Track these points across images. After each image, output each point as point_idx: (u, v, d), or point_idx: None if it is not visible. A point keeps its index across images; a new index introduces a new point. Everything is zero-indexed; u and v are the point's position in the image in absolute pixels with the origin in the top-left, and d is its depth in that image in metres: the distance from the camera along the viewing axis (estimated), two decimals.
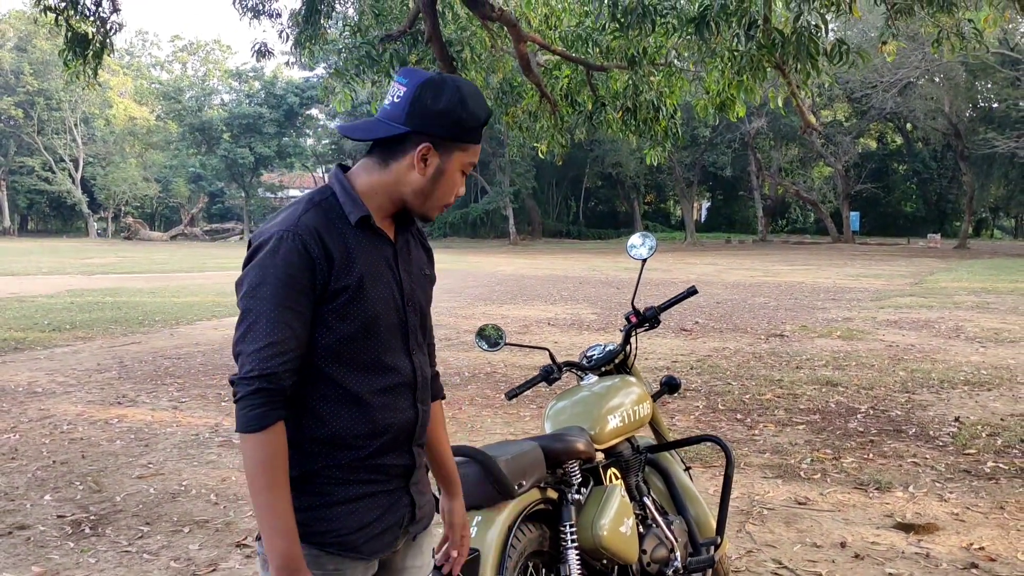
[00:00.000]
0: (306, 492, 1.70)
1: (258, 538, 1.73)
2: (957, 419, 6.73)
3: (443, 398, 2.08)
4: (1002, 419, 6.71)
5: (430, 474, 1.99)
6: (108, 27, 9.48)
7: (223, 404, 7.46)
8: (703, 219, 60.85)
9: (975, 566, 3.92)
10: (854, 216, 48.81)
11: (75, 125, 56.49)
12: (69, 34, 9.12)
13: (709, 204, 63.27)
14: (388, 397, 1.77)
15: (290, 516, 1.64)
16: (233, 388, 1.68)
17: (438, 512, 2.05)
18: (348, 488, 1.74)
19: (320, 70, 37.67)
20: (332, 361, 1.72)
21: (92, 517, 4.68)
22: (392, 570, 1.89)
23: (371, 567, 1.80)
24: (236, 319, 1.72)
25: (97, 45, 9.39)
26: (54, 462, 5.73)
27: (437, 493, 2.09)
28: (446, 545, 2.06)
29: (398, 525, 1.83)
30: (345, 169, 1.84)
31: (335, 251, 1.70)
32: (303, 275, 1.66)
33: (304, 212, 1.72)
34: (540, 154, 10.77)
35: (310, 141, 61.26)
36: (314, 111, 57.48)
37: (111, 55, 10.37)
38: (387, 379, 1.77)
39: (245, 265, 1.72)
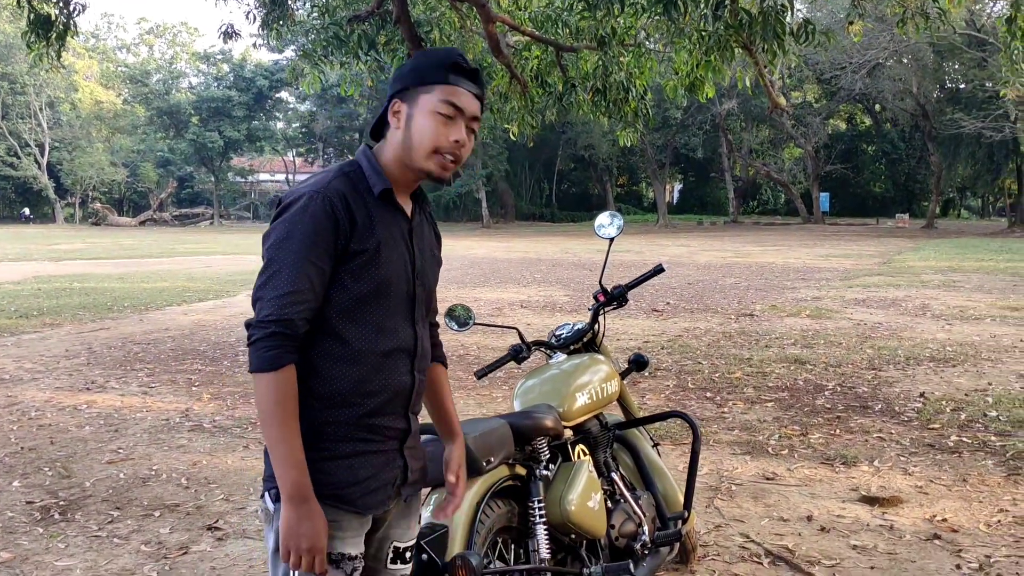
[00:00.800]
0: (306, 446, 1.78)
1: (263, 495, 1.87)
2: (922, 395, 6.84)
3: (446, 366, 2.21)
4: (966, 394, 6.83)
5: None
6: (71, 8, 9.31)
7: (193, 389, 7.42)
8: (675, 201, 61.11)
9: (938, 537, 4.00)
10: (824, 197, 49.24)
11: (40, 109, 55.58)
12: (32, 16, 8.96)
13: (681, 186, 63.52)
14: (388, 359, 1.88)
15: (299, 449, 1.75)
16: (249, 331, 1.78)
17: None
18: (346, 444, 1.84)
19: (289, 52, 37.28)
20: (342, 319, 1.83)
21: (61, 503, 4.65)
22: (384, 527, 1.99)
23: (365, 522, 1.90)
24: (259, 270, 1.84)
25: (60, 27, 9.22)
26: (22, 448, 5.68)
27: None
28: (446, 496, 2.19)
29: (391, 484, 1.92)
30: (371, 147, 1.97)
31: (359, 216, 1.82)
32: (327, 233, 1.78)
33: (334, 178, 1.86)
34: (512, 136, 10.75)
35: (280, 124, 60.71)
36: (284, 94, 56.98)
37: (75, 37, 10.21)
38: (390, 342, 1.89)
39: (274, 221, 1.84)
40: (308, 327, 1.79)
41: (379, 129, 1.98)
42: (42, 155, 55.66)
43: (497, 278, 17.94)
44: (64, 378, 7.96)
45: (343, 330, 1.83)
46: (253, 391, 1.85)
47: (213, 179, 57.42)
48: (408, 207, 1.97)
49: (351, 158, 1.99)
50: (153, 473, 5.16)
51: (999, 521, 4.19)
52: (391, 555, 2.01)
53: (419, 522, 2.11)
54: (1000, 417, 6.08)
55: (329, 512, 1.80)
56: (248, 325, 1.79)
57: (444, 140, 1.86)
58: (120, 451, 5.63)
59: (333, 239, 1.79)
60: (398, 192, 1.93)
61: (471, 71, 1.91)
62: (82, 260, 23.97)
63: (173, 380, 7.83)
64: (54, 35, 9.18)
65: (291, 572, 1.78)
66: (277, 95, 56.73)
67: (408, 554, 2.04)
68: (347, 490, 1.84)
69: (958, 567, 3.67)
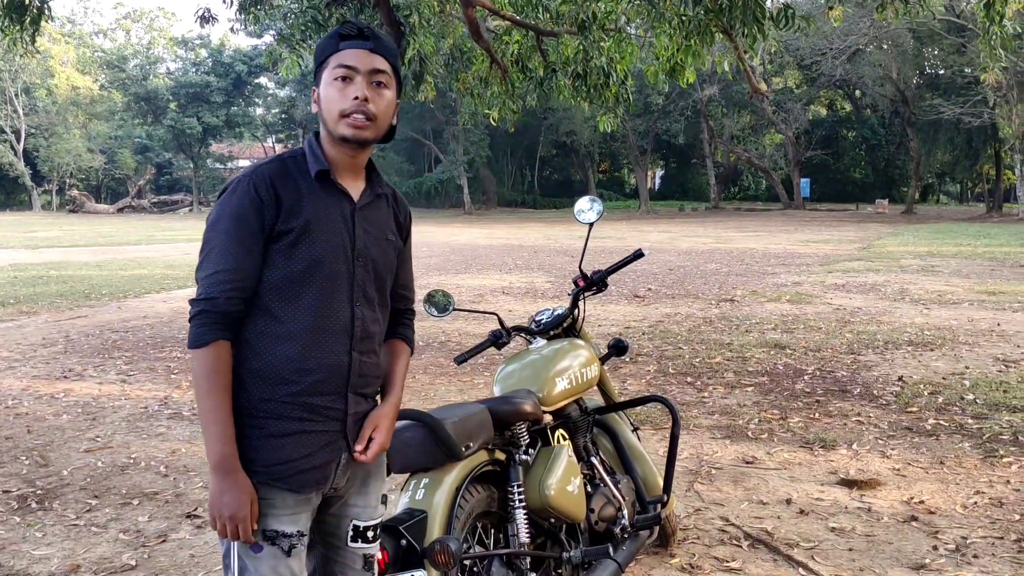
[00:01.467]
0: (240, 423, 1.84)
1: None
2: (900, 379, 6.89)
3: (412, 348, 2.20)
4: (943, 378, 6.88)
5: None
6: None
7: (172, 377, 7.37)
8: (657, 187, 61.21)
9: (915, 519, 4.03)
10: (804, 183, 49.45)
11: (16, 95, 54.89)
12: (5, 0, 8.83)
13: (663, 172, 63.60)
14: (323, 338, 1.90)
15: (228, 422, 1.81)
16: (190, 308, 1.86)
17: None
18: (280, 423, 1.87)
19: (268, 37, 36.96)
20: (275, 297, 1.88)
21: (39, 492, 4.61)
22: (339, 506, 2.03)
23: (304, 500, 1.92)
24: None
25: (34, 11, 9.09)
26: None
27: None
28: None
29: (331, 465, 1.94)
30: (318, 136, 2.01)
31: (285, 197, 1.88)
32: (252, 215, 1.85)
33: (267, 163, 1.94)
34: (492, 121, 10.70)
35: (260, 110, 60.24)
36: (263, 79, 56.48)
37: (50, 22, 10.08)
38: (323, 322, 1.90)
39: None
40: (240, 305, 1.85)
41: None
42: (18, 141, 54.99)
43: (478, 265, 17.92)
44: (41, 366, 7.89)
45: (276, 308, 1.87)
46: None
47: (192, 165, 56.97)
48: (357, 189, 2.00)
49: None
50: (131, 461, 5.12)
51: (975, 503, 4.23)
52: (351, 533, 2.04)
53: (384, 503, 2.11)
54: (977, 400, 6.14)
55: (263, 489, 1.86)
56: (190, 302, 1.86)
57: (346, 101, 1.89)
58: (98, 439, 5.59)
59: (259, 219, 1.84)
60: (341, 174, 1.97)
61: (358, 32, 1.93)
62: (59, 248, 23.75)
63: (152, 368, 7.78)
64: (28, 20, 9.06)
65: (231, 546, 1.87)
66: (256, 80, 56.27)
67: (370, 533, 2.06)
68: (277, 467, 1.87)
69: (935, 548, 3.70)
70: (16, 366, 7.90)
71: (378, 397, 2.06)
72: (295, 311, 1.88)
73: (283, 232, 1.86)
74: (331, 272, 1.91)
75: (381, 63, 1.93)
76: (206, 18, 10.33)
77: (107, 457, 5.21)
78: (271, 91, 59.10)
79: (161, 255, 21.04)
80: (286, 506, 1.89)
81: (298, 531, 1.91)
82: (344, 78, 1.90)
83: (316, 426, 1.91)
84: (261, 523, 1.87)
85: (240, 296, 1.84)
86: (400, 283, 2.15)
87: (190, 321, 1.84)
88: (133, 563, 3.70)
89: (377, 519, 2.08)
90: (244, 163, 66.56)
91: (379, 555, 2.16)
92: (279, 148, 64.11)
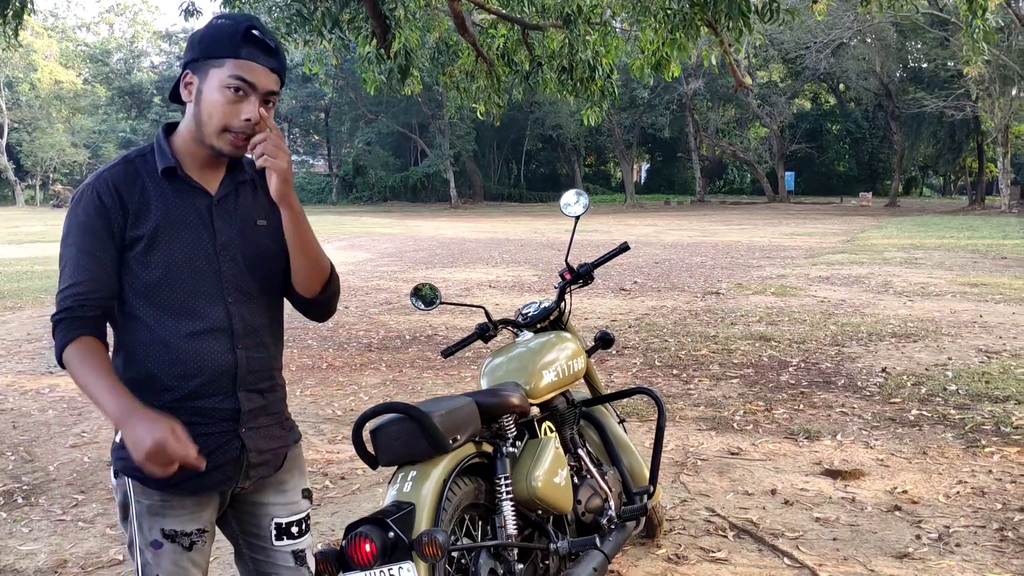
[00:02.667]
0: None
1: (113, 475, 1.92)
2: (884, 370, 6.94)
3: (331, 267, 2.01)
4: (926, 369, 6.94)
5: None
6: None
7: None
8: (643, 181, 61.31)
9: (898, 508, 4.07)
10: (789, 176, 49.65)
11: None
12: None
13: (648, 166, 63.71)
14: (198, 341, 1.84)
15: (113, 382, 1.71)
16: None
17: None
18: None
19: None
20: (142, 305, 1.83)
21: (25, 487, 4.60)
22: (253, 504, 1.99)
23: (206, 501, 1.90)
24: None
25: (17, 4, 9.02)
26: None
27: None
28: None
29: (226, 466, 1.89)
30: (172, 128, 1.91)
31: (130, 202, 1.81)
32: (99, 224, 1.79)
33: (110, 167, 1.86)
34: (479, 115, 10.70)
35: None
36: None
37: (32, 15, 10.00)
38: (195, 324, 1.84)
39: None
40: (96, 312, 1.79)
41: (177, 94, 1.88)
42: (1, 136, 54.54)
43: (465, 258, 17.92)
44: (26, 362, 7.85)
45: (145, 315, 1.83)
46: None
47: None
48: (214, 181, 1.90)
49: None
50: None
51: (958, 492, 4.28)
52: (274, 532, 2.01)
53: (308, 497, 2.09)
54: (959, 391, 6.19)
55: (156, 493, 1.84)
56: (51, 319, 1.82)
57: (234, 118, 1.79)
58: (84, 435, 5.57)
59: (106, 227, 1.79)
60: (195, 167, 1.87)
61: (265, 43, 1.81)
62: (43, 243, 23.57)
63: None
64: (11, 13, 8.98)
65: (134, 539, 1.86)
66: None
67: (295, 529, 2.03)
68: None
69: (918, 537, 3.74)
70: (0, 362, 7.86)
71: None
72: (163, 316, 1.82)
73: (134, 239, 1.80)
74: (194, 273, 1.84)
75: (276, 83, 1.83)
76: (190, 11, 10.28)
77: (93, 452, 5.20)
78: None
79: None
80: (184, 507, 1.87)
81: (198, 528, 1.89)
82: (238, 90, 1.78)
83: (207, 428, 1.86)
84: (159, 523, 1.85)
85: (95, 306, 1.79)
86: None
87: (53, 337, 1.79)
88: (120, 558, 3.70)
89: (300, 514, 2.05)
90: None
91: (361, 546, 2.18)
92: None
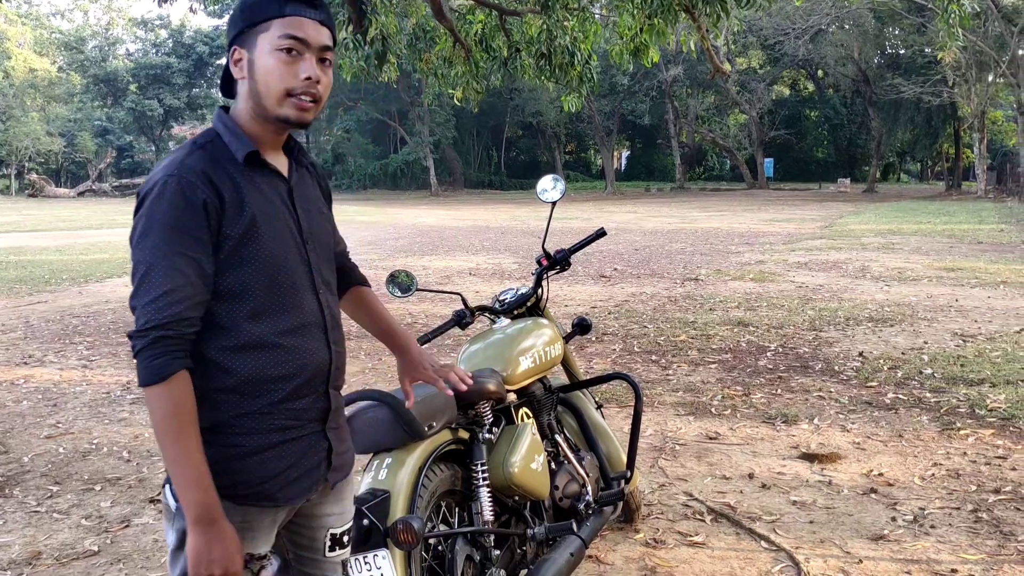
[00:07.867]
0: (216, 444, 1.63)
1: (164, 486, 1.69)
2: (861, 354, 6.99)
3: (368, 286, 2.15)
4: (903, 353, 6.99)
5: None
6: None
7: (134, 361, 7.27)
8: (623, 168, 61.38)
9: (874, 491, 4.11)
10: (768, 162, 49.91)
11: None
12: None
13: (629, 153, 63.81)
14: (298, 338, 1.71)
15: (203, 465, 1.56)
16: (131, 343, 1.60)
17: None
18: (261, 436, 1.67)
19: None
20: (235, 307, 1.65)
21: None
22: (310, 516, 1.86)
23: (280, 515, 1.76)
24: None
25: None
26: None
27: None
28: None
29: (315, 470, 1.78)
30: (227, 109, 1.76)
31: (225, 192, 1.63)
32: (192, 219, 1.59)
33: (188, 155, 1.66)
34: (457, 101, 10.65)
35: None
36: (225, 60, 55.81)
37: (6, 2, 9.85)
38: (294, 320, 1.71)
39: (135, 216, 1.64)
40: (197, 325, 1.61)
41: (229, 85, 1.77)
42: None
43: (445, 246, 17.88)
44: (0, 353, 7.76)
45: (238, 320, 1.65)
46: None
47: (153, 148, 56.18)
48: (283, 164, 1.78)
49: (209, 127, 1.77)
50: (93, 447, 5.07)
51: (933, 474, 4.31)
52: (328, 543, 1.89)
53: (354, 502, 2.02)
54: (935, 375, 6.25)
55: (239, 512, 1.66)
56: (130, 336, 1.60)
57: (294, 80, 1.66)
58: (59, 425, 5.52)
59: (202, 222, 1.60)
60: (266, 151, 1.73)
61: None
62: (18, 232, 23.34)
63: (114, 353, 7.68)
64: None
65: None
66: (218, 62, 55.45)
67: (345, 538, 1.94)
68: (263, 486, 1.68)
69: (894, 519, 3.77)
70: None
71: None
72: (260, 316, 1.67)
73: (231, 235, 1.63)
74: (289, 265, 1.71)
75: (328, 38, 1.71)
76: None
77: (69, 443, 5.15)
78: None
79: (123, 239, 20.64)
80: (263, 527, 1.72)
81: (268, 551, 1.75)
82: (291, 50, 1.65)
83: (298, 431, 1.73)
84: None
85: (196, 315, 1.60)
86: (338, 250, 2.00)
87: (138, 354, 1.58)
88: (96, 549, 3.67)
89: (350, 522, 1.96)
90: None
91: None
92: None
